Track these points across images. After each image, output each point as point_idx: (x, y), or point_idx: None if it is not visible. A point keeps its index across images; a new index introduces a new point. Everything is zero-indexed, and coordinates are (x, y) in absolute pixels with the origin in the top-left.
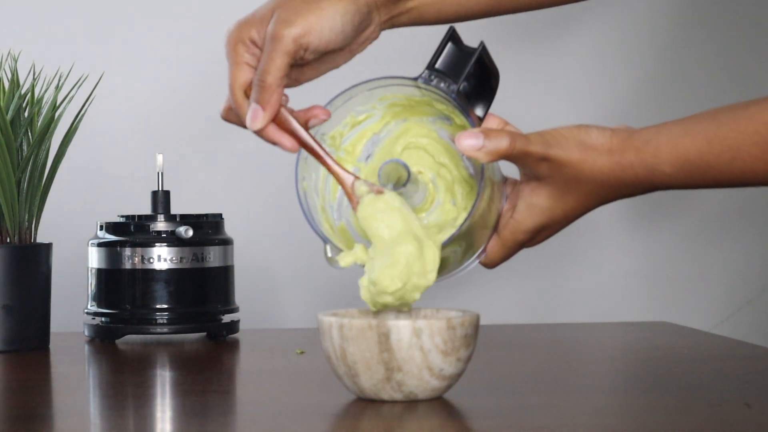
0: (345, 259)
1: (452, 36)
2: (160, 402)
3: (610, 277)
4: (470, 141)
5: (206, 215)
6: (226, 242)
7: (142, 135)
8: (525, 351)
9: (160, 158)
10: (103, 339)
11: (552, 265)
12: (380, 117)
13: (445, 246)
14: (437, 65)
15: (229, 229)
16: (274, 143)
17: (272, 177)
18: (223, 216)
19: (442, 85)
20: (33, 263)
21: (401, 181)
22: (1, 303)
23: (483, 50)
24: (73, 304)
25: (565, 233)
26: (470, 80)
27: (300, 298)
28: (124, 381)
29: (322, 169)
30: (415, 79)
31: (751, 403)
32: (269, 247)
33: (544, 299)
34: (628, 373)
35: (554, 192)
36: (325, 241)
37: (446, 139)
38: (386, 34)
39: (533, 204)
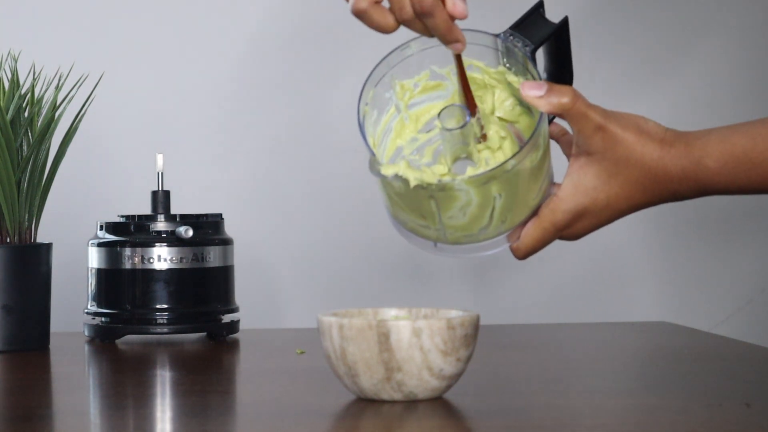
0: (388, 169)
1: (538, 7)
2: (160, 402)
3: (611, 277)
4: (534, 90)
5: (206, 215)
6: (226, 242)
7: (142, 135)
8: (525, 351)
9: (160, 158)
10: (103, 339)
11: (552, 266)
12: (451, 94)
13: (478, 177)
14: (518, 28)
15: (229, 229)
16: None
17: (272, 177)
18: (223, 216)
19: (519, 44)
20: (33, 263)
21: (459, 123)
22: (1, 303)
23: (564, 24)
24: (73, 304)
25: None
26: (546, 71)
27: (300, 298)
28: (124, 381)
29: (386, 120)
30: (497, 35)
31: (751, 403)
32: (269, 247)
33: (544, 299)
34: (628, 373)
35: (602, 172)
36: (373, 153)
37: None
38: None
39: (579, 182)
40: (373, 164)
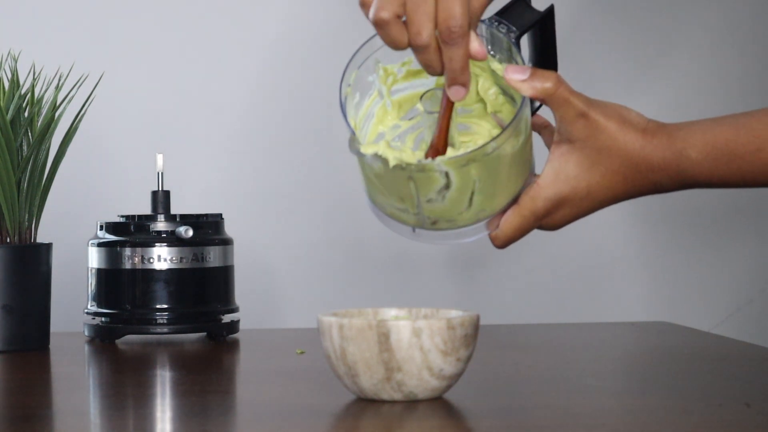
0: (368, 148)
1: None
2: (160, 402)
3: (611, 277)
4: (517, 74)
5: (206, 215)
6: (226, 242)
7: (142, 135)
8: (525, 351)
9: (160, 158)
10: (103, 339)
11: (552, 265)
12: (434, 81)
13: (458, 158)
14: (503, 15)
15: (229, 229)
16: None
17: (272, 177)
18: (223, 216)
19: (503, 30)
20: (33, 263)
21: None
22: (1, 303)
23: (550, 13)
24: (73, 304)
25: (565, 232)
26: (530, 60)
27: (300, 298)
28: (124, 381)
29: (368, 104)
30: (482, 21)
31: (751, 403)
32: (269, 247)
33: (545, 299)
34: (628, 373)
35: (584, 160)
36: (353, 133)
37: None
38: None
39: (560, 170)
40: (353, 143)
